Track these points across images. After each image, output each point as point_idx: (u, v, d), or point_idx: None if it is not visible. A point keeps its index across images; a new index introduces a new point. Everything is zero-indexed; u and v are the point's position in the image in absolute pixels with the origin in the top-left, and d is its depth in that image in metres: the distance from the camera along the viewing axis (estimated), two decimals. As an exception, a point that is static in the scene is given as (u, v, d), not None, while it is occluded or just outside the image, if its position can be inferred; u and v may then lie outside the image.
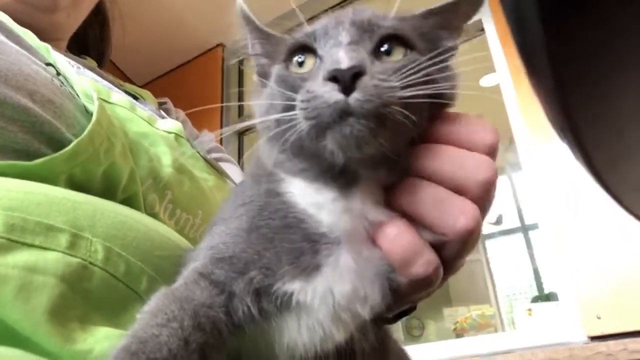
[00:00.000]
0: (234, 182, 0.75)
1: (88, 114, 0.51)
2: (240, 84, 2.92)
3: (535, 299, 2.16)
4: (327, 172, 0.37)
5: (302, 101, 0.33)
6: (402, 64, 0.34)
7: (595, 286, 1.67)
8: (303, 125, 0.33)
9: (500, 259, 3.22)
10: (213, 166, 0.70)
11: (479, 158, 0.37)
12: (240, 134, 2.85)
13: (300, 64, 0.37)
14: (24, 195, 0.37)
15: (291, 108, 0.34)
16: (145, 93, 0.78)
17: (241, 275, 0.35)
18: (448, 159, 0.37)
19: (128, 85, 0.76)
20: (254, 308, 0.35)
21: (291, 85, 0.36)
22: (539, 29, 0.15)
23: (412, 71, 0.33)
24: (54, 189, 0.41)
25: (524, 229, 3.23)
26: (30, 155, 0.43)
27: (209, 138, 0.88)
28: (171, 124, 0.65)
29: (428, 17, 0.39)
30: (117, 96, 0.60)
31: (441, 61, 0.36)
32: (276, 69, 0.39)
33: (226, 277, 0.35)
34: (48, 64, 0.54)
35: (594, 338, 1.64)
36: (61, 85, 0.50)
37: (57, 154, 0.43)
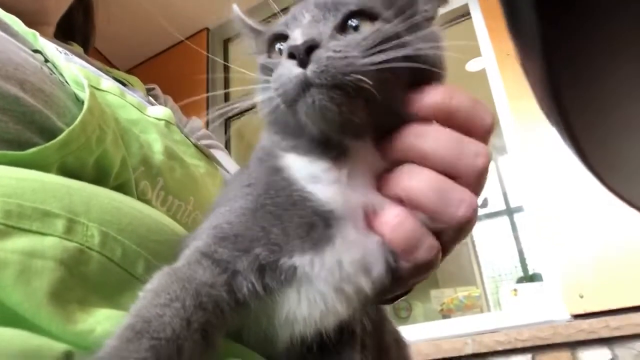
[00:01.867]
0: (225, 169, 0.75)
1: (79, 102, 0.51)
2: (226, 68, 2.90)
3: (520, 280, 2.20)
4: (317, 146, 0.38)
5: (273, 82, 0.35)
6: (365, 35, 0.35)
7: (578, 266, 1.71)
8: (277, 101, 0.35)
9: (486, 242, 3.27)
10: (204, 152, 0.69)
11: (477, 145, 0.37)
12: (227, 119, 2.84)
13: (281, 51, 0.39)
14: (18, 182, 0.37)
15: (269, 89, 0.37)
16: (133, 79, 0.77)
17: (245, 253, 0.36)
18: (447, 143, 0.37)
19: (115, 72, 0.76)
20: (258, 284, 0.36)
21: (270, 70, 0.37)
22: (531, 11, 0.16)
23: (374, 39, 0.34)
24: (48, 175, 0.41)
25: (509, 211, 3.28)
26: (22, 145, 0.43)
27: (198, 125, 0.87)
28: (161, 111, 0.65)
29: None
30: (107, 83, 0.59)
31: (413, 25, 0.37)
32: (260, 60, 0.41)
33: (229, 255, 0.36)
34: (35, 51, 0.54)
35: (576, 316, 1.69)
36: (51, 74, 0.49)
37: (49, 144, 0.43)
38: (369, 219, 0.38)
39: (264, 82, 0.38)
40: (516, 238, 3.18)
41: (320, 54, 0.33)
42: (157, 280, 0.34)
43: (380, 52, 0.33)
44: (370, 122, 0.36)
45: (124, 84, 0.73)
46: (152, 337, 0.28)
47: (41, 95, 0.46)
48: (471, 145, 0.37)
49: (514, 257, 3.11)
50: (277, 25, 0.40)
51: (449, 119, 0.37)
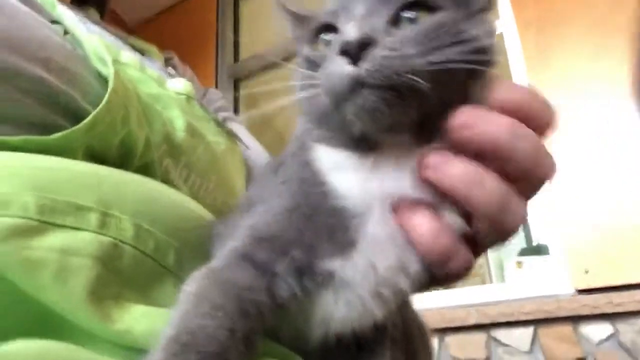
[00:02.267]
0: (244, 144, 0.74)
1: (101, 78, 0.49)
2: (236, 27, 2.84)
3: (523, 251, 2.21)
4: (352, 139, 0.36)
5: (320, 78, 0.33)
6: (423, 29, 0.32)
7: (585, 242, 1.72)
8: (324, 100, 0.33)
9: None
10: (224, 128, 0.68)
11: (543, 145, 0.34)
12: (236, 80, 2.80)
13: (328, 43, 0.36)
14: (51, 173, 0.36)
15: (315, 86, 0.34)
16: (152, 49, 0.75)
17: (283, 255, 0.35)
18: (511, 135, 0.32)
19: (133, 40, 0.73)
20: (297, 287, 0.35)
21: (315, 64, 0.35)
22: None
23: (432, 33, 0.31)
24: (77, 163, 0.40)
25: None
26: (47, 128, 0.42)
27: (216, 97, 0.85)
28: (181, 85, 0.63)
29: None
30: (127, 55, 0.57)
31: (471, 14, 0.34)
32: (303, 50, 0.38)
33: (268, 257, 0.35)
34: (54, 22, 0.52)
35: (581, 291, 1.70)
36: (74, 49, 0.47)
37: (75, 128, 0.41)
38: (399, 215, 0.35)
39: (307, 78, 0.35)
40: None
41: (375, 53, 0.30)
42: (196, 284, 0.33)
43: (438, 49, 0.31)
44: (418, 119, 0.33)
45: (141, 53, 0.71)
46: (198, 350, 0.27)
47: (66, 74, 0.44)
48: (539, 143, 0.33)
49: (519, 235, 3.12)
50: (324, 14, 0.37)
51: (513, 111, 0.33)
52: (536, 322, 1.72)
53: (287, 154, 0.41)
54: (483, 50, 0.33)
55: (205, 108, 0.66)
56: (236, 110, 2.74)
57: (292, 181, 0.38)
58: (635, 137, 1.72)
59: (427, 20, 0.33)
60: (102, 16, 0.79)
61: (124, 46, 0.62)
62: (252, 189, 0.46)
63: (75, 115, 0.44)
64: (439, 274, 0.36)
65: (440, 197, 0.34)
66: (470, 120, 0.32)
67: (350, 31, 0.31)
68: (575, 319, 1.66)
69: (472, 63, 0.31)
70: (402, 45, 0.31)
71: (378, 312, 0.37)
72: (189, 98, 0.63)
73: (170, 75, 0.68)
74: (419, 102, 0.31)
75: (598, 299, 1.63)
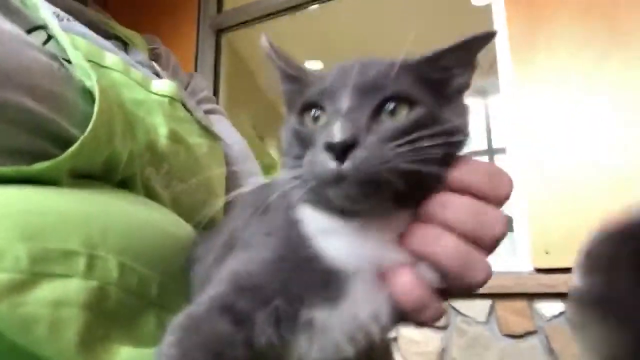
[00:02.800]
0: (225, 142, 0.74)
1: (86, 92, 0.49)
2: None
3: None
4: (335, 207, 0.38)
5: (307, 163, 0.36)
6: (402, 126, 0.35)
7: (548, 223, 1.79)
8: (307, 182, 0.36)
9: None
10: (207, 129, 0.68)
11: (495, 214, 0.38)
12: (218, 31, 2.71)
13: (316, 119, 0.38)
14: (39, 218, 0.37)
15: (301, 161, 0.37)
16: (136, 38, 0.72)
17: (265, 304, 0.37)
18: (466, 212, 0.37)
19: (118, 28, 0.71)
20: (274, 336, 0.37)
21: (303, 140, 0.38)
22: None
23: (410, 132, 0.34)
24: (64, 200, 0.41)
25: (491, 151, 3.33)
26: (34, 155, 0.43)
27: (201, 85, 0.84)
28: (165, 85, 0.62)
29: (439, 58, 0.38)
30: (111, 58, 0.56)
31: (447, 102, 0.38)
32: (291, 121, 0.40)
33: (249, 307, 0.37)
34: (38, 27, 0.50)
35: (539, 270, 1.79)
36: (59, 68, 0.46)
37: (61, 157, 0.42)
38: (382, 274, 0.39)
39: (293, 149, 0.38)
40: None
41: (357, 154, 0.33)
42: (178, 335, 0.35)
43: (414, 150, 0.34)
44: (395, 197, 0.36)
45: (126, 44, 0.69)
46: None
47: (51, 99, 0.44)
48: (490, 214, 0.38)
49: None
50: (311, 93, 0.39)
51: (469, 189, 0.38)
52: (494, 296, 1.81)
53: (273, 204, 0.42)
54: (457, 134, 0.37)
55: (189, 108, 0.66)
56: (217, 63, 2.68)
57: (278, 236, 0.40)
58: (604, 126, 1.76)
59: (405, 117, 0.35)
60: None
61: (107, 43, 0.60)
62: (235, 220, 0.47)
63: (63, 140, 0.44)
64: (413, 320, 0.39)
65: (417, 258, 0.38)
66: (432, 210, 0.37)
67: (337, 132, 0.33)
68: (531, 296, 1.76)
69: (446, 151, 0.36)
70: (381, 146, 0.34)
71: (349, 352, 0.40)
72: (172, 100, 0.62)
73: (154, 72, 0.67)
74: (395, 190, 0.35)
75: (554, 278, 1.72)
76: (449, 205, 0.38)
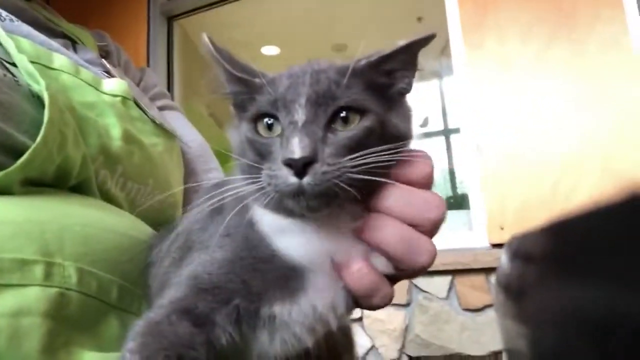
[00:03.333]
0: (182, 141, 0.74)
1: (34, 97, 0.48)
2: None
3: (448, 200, 2.35)
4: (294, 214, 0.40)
5: (266, 175, 0.37)
6: (355, 135, 0.37)
7: (503, 199, 1.86)
8: (267, 191, 0.37)
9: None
10: (162, 128, 0.67)
11: (432, 197, 0.40)
12: (170, 18, 2.64)
13: (270, 127, 0.39)
14: None
15: (258, 169, 0.38)
16: (85, 36, 0.70)
17: (225, 304, 0.38)
18: (405, 201, 0.40)
19: (65, 25, 0.69)
20: (235, 333, 0.38)
21: (259, 150, 0.39)
22: None
23: (362, 140, 0.37)
24: (18, 209, 0.40)
25: (446, 132, 3.40)
26: None
27: (152, 81, 0.82)
28: (117, 85, 0.61)
29: (384, 62, 0.39)
30: (59, 59, 0.55)
31: (392, 105, 0.40)
32: (245, 129, 0.40)
33: (209, 308, 0.38)
34: None
35: (495, 245, 1.87)
36: (4, 75, 0.45)
37: (11, 168, 0.41)
38: (337, 266, 0.41)
39: (249, 156, 0.39)
40: (449, 158, 3.34)
41: (316, 169, 0.35)
42: (137, 344, 0.35)
43: (365, 155, 0.36)
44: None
45: (74, 41, 0.68)
46: None
47: (0, 109, 0.43)
48: (428, 198, 0.40)
49: (445, 178, 3.30)
50: (263, 103, 0.39)
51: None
52: (453, 272, 1.88)
53: (228, 203, 0.43)
54: (403, 138, 0.39)
55: (142, 107, 0.65)
56: (170, 51, 2.62)
57: (236, 236, 0.41)
58: (553, 105, 1.83)
59: (357, 126, 0.37)
60: None
61: (55, 43, 0.59)
62: (190, 221, 0.48)
63: (12, 149, 0.44)
64: (365, 304, 0.42)
65: (369, 248, 0.41)
66: (378, 203, 0.40)
67: (295, 149, 0.35)
68: (488, 270, 1.83)
69: (394, 156, 0.37)
70: (337, 159, 0.36)
71: (309, 343, 0.42)
72: (124, 99, 0.61)
73: (105, 70, 0.66)
74: (349, 195, 0.36)
75: (509, 253, 1.79)
76: (391, 197, 0.40)
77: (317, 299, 0.40)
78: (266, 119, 0.39)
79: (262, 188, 0.37)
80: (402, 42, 0.39)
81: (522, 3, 1.94)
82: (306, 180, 0.35)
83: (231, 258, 0.40)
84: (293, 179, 0.35)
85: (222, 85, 0.43)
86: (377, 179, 0.36)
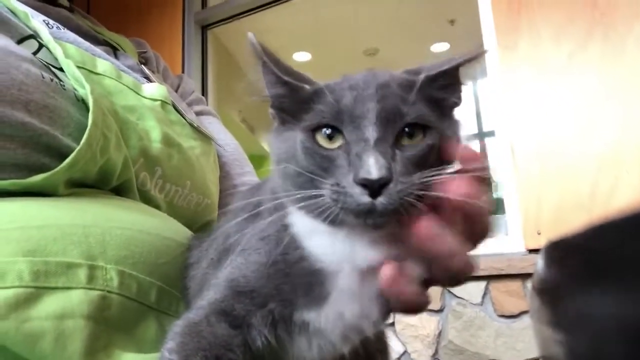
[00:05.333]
0: (217, 144, 0.75)
1: (78, 101, 0.50)
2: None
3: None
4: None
5: (333, 192, 0.36)
6: (421, 152, 0.37)
7: (540, 203, 1.82)
8: (330, 206, 0.36)
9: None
10: (199, 131, 0.69)
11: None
12: (204, 27, 2.69)
13: (330, 137, 0.38)
14: (39, 232, 0.38)
15: (315, 182, 0.37)
16: (125, 43, 0.73)
17: (260, 308, 0.39)
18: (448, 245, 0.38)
19: (106, 33, 0.72)
20: (271, 337, 0.39)
21: (319, 161, 0.37)
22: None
23: (427, 156, 0.37)
24: (62, 214, 0.42)
25: (481, 135, 3.34)
26: (30, 167, 0.44)
27: (190, 87, 0.85)
28: (156, 89, 0.63)
29: (441, 76, 0.39)
30: (103, 64, 0.57)
31: (446, 117, 0.40)
32: (301, 138, 0.39)
33: (246, 310, 0.39)
34: (29, 37, 0.51)
35: (531, 251, 1.82)
36: (51, 80, 0.48)
37: (56, 170, 0.43)
38: (371, 271, 0.40)
39: (307, 167, 0.38)
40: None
41: (392, 189, 0.34)
42: (176, 343, 0.36)
43: (430, 171, 0.36)
44: None
45: (115, 48, 0.70)
46: None
47: (46, 112, 0.45)
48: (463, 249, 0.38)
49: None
50: (326, 114, 0.38)
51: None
52: (488, 278, 1.84)
53: (265, 208, 0.43)
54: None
55: (180, 111, 0.67)
56: (204, 59, 2.67)
57: (270, 240, 0.41)
58: (590, 106, 1.78)
59: (422, 142, 0.37)
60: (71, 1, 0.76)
61: (98, 49, 0.61)
62: (229, 224, 0.49)
63: (58, 152, 0.46)
64: (400, 311, 0.41)
65: (405, 254, 0.39)
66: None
67: (372, 169, 0.34)
68: (524, 276, 1.79)
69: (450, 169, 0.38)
70: (407, 176, 0.35)
71: (345, 349, 0.42)
72: (164, 103, 0.63)
73: (144, 76, 0.68)
74: (416, 211, 0.36)
75: (546, 258, 1.74)
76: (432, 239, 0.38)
77: (346, 305, 0.40)
78: (325, 129, 0.38)
79: (321, 203, 0.36)
80: (459, 59, 0.39)
81: (556, 3, 1.90)
82: (380, 200, 0.34)
83: (265, 262, 0.40)
84: (366, 199, 0.34)
85: (262, 87, 0.41)
86: (439, 194, 0.36)
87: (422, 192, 0.35)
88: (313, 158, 0.38)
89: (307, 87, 0.39)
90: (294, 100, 0.40)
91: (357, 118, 0.37)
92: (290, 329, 0.40)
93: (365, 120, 0.36)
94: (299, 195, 0.38)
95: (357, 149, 0.36)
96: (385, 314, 0.42)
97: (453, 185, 0.38)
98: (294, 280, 0.40)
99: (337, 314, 0.40)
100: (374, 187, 0.34)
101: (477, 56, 0.40)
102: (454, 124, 0.41)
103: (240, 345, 0.38)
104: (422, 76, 0.38)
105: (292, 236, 0.40)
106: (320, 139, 0.38)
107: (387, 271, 0.39)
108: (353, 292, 0.40)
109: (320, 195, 0.36)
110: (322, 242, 0.40)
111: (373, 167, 0.34)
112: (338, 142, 0.37)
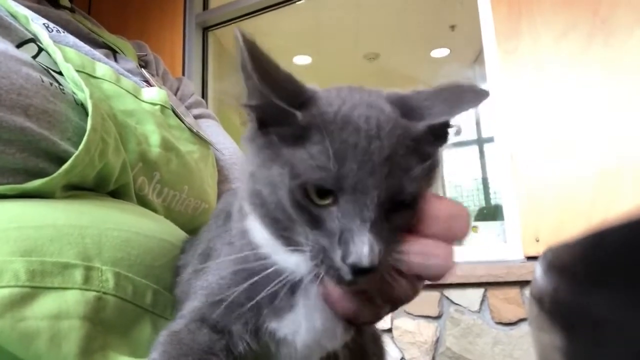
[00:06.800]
0: (216, 148, 0.75)
1: (78, 105, 0.50)
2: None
3: (481, 210, 2.32)
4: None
5: (316, 254, 0.34)
6: (405, 221, 0.36)
7: (538, 211, 1.82)
8: (305, 265, 0.36)
9: (453, 170, 3.36)
10: (198, 136, 0.69)
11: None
12: (205, 29, 2.70)
13: (320, 196, 0.34)
14: (36, 232, 0.38)
15: (294, 232, 0.36)
16: (125, 46, 0.73)
17: (237, 316, 0.39)
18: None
19: (106, 35, 0.72)
20: (253, 343, 0.39)
21: (305, 217, 0.34)
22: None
23: (406, 227, 0.36)
24: (59, 215, 0.42)
25: (480, 141, 3.35)
26: (28, 172, 0.44)
27: (189, 90, 0.85)
28: (156, 94, 0.63)
29: (436, 128, 0.36)
30: (102, 68, 0.57)
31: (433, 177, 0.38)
32: (291, 188, 0.34)
33: (224, 318, 0.39)
34: (29, 40, 0.51)
35: (530, 258, 1.82)
36: (50, 84, 0.47)
37: (54, 175, 0.43)
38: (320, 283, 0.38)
39: (292, 215, 0.35)
40: (483, 166, 3.29)
41: (373, 275, 0.33)
42: (161, 349, 0.36)
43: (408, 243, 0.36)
44: None
45: (115, 51, 0.70)
46: None
47: (45, 116, 0.45)
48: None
49: (478, 186, 3.25)
50: (320, 172, 0.33)
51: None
52: (486, 285, 1.84)
53: (234, 211, 0.43)
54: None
55: (179, 115, 0.67)
56: (205, 60, 2.67)
57: (235, 246, 0.41)
58: (590, 113, 1.78)
59: (407, 211, 0.36)
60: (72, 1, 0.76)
61: (97, 53, 0.61)
62: (211, 228, 0.48)
63: (56, 156, 0.46)
64: (353, 325, 0.41)
65: None
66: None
67: (364, 259, 0.32)
68: (523, 284, 1.78)
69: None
70: (388, 254, 0.34)
71: (328, 348, 0.42)
72: (163, 108, 0.63)
73: (144, 79, 0.68)
74: None
75: (544, 265, 1.74)
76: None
77: (310, 316, 0.39)
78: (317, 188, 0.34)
79: (312, 263, 0.35)
80: (466, 108, 0.36)
81: (557, 8, 1.90)
82: (361, 279, 0.33)
83: (233, 269, 0.40)
84: (349, 277, 0.33)
85: (243, 93, 0.36)
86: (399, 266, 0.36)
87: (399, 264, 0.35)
88: (301, 212, 0.34)
89: (299, 115, 0.34)
90: (280, 118, 0.35)
91: (359, 193, 0.33)
92: (268, 336, 0.39)
93: (367, 198, 0.33)
94: (273, 231, 0.37)
95: (351, 225, 0.33)
96: (350, 329, 0.41)
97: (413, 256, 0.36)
98: (259, 289, 0.38)
99: (300, 324, 0.39)
100: (361, 273, 0.33)
101: (480, 102, 0.37)
102: (436, 173, 0.38)
103: (224, 350, 0.38)
104: (423, 125, 0.35)
105: (251, 242, 0.39)
106: (312, 193, 0.34)
107: (331, 287, 0.38)
108: (316, 304, 0.39)
109: (298, 249, 0.35)
110: (284, 256, 0.38)
111: (366, 256, 0.32)
112: (327, 201, 0.34)
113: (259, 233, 0.39)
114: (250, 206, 0.38)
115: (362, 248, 0.32)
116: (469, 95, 0.37)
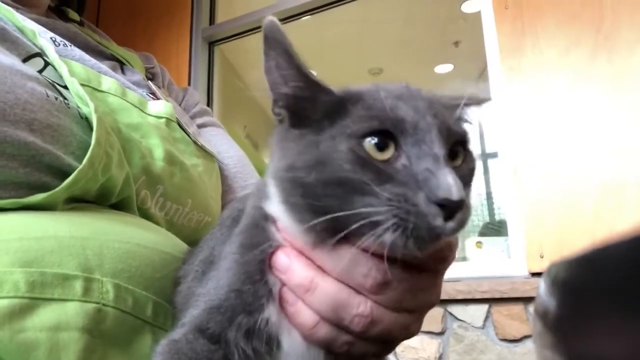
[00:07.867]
0: (220, 160, 0.75)
1: (82, 119, 0.50)
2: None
3: (485, 226, 2.30)
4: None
5: (398, 208, 0.31)
6: (466, 172, 0.36)
7: (542, 228, 1.81)
8: (386, 224, 0.31)
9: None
10: (203, 149, 0.69)
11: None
12: (211, 43, 2.73)
13: (380, 148, 0.33)
14: (37, 244, 0.38)
15: (355, 198, 0.32)
16: (132, 58, 0.74)
17: (232, 322, 0.38)
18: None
19: (114, 47, 0.72)
20: (248, 349, 0.39)
21: (370, 174, 0.32)
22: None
23: (471, 177, 0.37)
24: (60, 226, 0.42)
25: (484, 156, 3.35)
26: (31, 186, 0.44)
27: (194, 99, 0.85)
28: (162, 107, 0.64)
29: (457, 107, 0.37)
30: (108, 82, 0.58)
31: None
32: (350, 145, 0.33)
33: (221, 327, 0.38)
34: (35, 55, 0.52)
35: (534, 274, 1.81)
36: (55, 98, 0.48)
37: (57, 189, 0.44)
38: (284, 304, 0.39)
39: (353, 177, 0.32)
40: (487, 181, 3.28)
41: (463, 214, 0.32)
42: (160, 359, 0.36)
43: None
44: None
45: (122, 63, 0.71)
46: None
47: (49, 131, 0.46)
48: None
49: (482, 203, 3.24)
50: (384, 119, 0.33)
51: None
52: (490, 301, 1.83)
53: (244, 219, 0.43)
54: None
55: (184, 128, 0.67)
56: (210, 74, 2.70)
57: (243, 248, 0.40)
58: (594, 129, 1.78)
59: (464, 160, 0.36)
60: (81, 12, 0.77)
61: (104, 66, 0.62)
62: (215, 235, 0.48)
63: (59, 170, 0.46)
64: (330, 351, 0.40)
65: None
66: None
67: (453, 190, 0.30)
68: (527, 300, 1.77)
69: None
70: (467, 200, 0.34)
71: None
72: (169, 121, 0.64)
73: (151, 91, 0.68)
74: None
75: (549, 282, 1.73)
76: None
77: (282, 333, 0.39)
78: (373, 138, 0.33)
79: (392, 221, 0.31)
80: (465, 98, 0.38)
81: (560, 26, 1.92)
82: (450, 225, 0.31)
83: (233, 280, 0.40)
84: (440, 222, 0.30)
85: (274, 83, 0.36)
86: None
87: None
88: (363, 169, 0.32)
89: (335, 90, 0.35)
90: (314, 102, 0.35)
91: (420, 130, 0.33)
92: (261, 338, 0.39)
93: (431, 134, 0.33)
94: (340, 214, 0.32)
95: (426, 165, 0.31)
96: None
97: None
98: (254, 294, 0.38)
99: (291, 338, 0.39)
100: (453, 209, 0.31)
101: (482, 100, 0.40)
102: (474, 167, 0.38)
103: (221, 359, 0.38)
104: (464, 99, 0.36)
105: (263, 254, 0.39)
106: (370, 148, 0.33)
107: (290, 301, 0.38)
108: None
109: (370, 215, 0.31)
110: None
111: (454, 187, 0.30)
112: (389, 154, 0.33)
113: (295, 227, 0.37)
114: (288, 197, 0.36)
115: (446, 179, 0.30)
116: (472, 97, 0.39)
